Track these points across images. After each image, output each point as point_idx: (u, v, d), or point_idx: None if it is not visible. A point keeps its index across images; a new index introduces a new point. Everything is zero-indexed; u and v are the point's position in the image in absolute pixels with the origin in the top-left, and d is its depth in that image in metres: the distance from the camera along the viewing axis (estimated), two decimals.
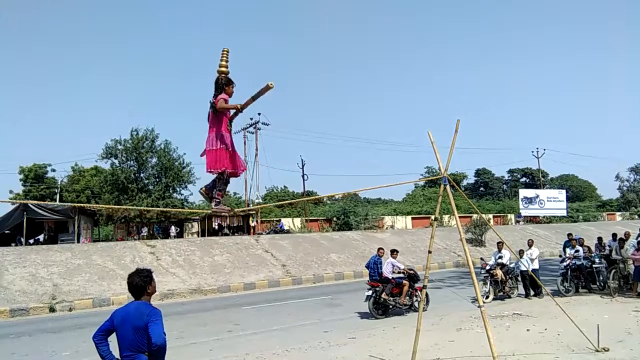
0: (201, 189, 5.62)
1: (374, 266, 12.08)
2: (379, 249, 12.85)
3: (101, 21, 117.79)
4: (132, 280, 3.98)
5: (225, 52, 5.34)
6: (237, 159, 5.37)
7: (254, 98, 4.81)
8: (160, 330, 3.70)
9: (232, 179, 5.60)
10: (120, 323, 3.88)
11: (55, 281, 17.32)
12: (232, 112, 5.23)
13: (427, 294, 11.94)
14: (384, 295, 11.74)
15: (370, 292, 11.76)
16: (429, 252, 6.95)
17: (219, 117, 5.22)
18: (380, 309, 11.87)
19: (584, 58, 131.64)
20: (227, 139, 5.26)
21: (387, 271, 12.04)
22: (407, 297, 12.15)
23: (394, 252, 12.53)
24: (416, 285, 12.35)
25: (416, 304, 12.04)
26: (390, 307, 11.97)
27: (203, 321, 12.62)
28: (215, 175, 5.41)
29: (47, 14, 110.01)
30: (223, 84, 5.19)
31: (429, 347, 8.06)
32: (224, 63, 5.28)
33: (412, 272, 12.46)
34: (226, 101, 5.11)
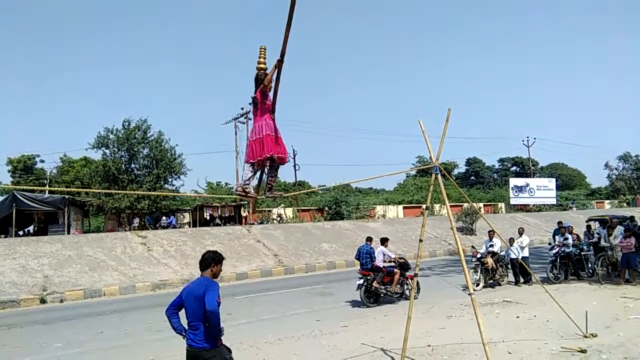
0: (236, 187, 5.74)
1: (365, 255, 12.09)
2: (368, 237, 12.87)
3: (88, 10, 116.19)
4: (206, 254, 4.50)
5: (262, 49, 5.53)
6: (282, 146, 5.50)
7: (288, 24, 4.72)
8: (213, 298, 4.10)
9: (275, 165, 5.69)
10: (186, 296, 4.36)
11: (45, 272, 17.22)
12: (271, 97, 5.44)
13: (418, 282, 12.04)
14: (375, 284, 11.81)
15: (361, 281, 11.82)
16: (420, 240, 6.98)
17: (261, 107, 5.46)
18: (371, 297, 11.94)
19: (573, 46, 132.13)
20: (271, 126, 5.43)
21: (378, 260, 12.09)
22: (399, 286, 12.25)
23: (385, 241, 12.58)
24: (407, 273, 12.43)
25: (407, 292, 12.17)
26: (382, 295, 12.05)
27: None
28: (249, 170, 5.56)
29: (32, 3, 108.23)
30: (262, 80, 5.44)
31: (420, 335, 8.13)
32: (262, 60, 5.49)
33: (402, 260, 12.54)
34: (266, 78, 5.32)
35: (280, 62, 5.12)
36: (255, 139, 5.42)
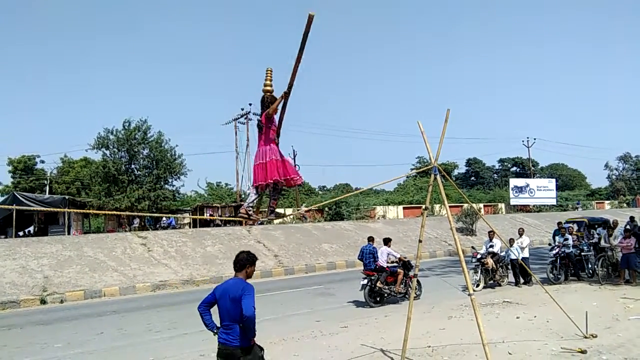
0: (241, 209, 5.83)
1: (368, 255, 12.09)
2: (370, 237, 12.87)
3: (89, 10, 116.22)
4: (240, 255, 4.56)
5: (269, 72, 5.60)
6: (289, 168, 5.64)
7: (301, 47, 4.77)
8: (251, 303, 4.16)
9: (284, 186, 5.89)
10: (220, 295, 4.43)
11: (45, 273, 17.22)
12: (276, 122, 5.54)
13: (419, 282, 12.32)
14: (379, 284, 11.85)
15: (365, 281, 11.85)
16: (420, 241, 6.99)
17: (266, 131, 5.54)
18: (375, 297, 11.98)
19: (574, 46, 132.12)
20: (275, 151, 5.53)
21: (381, 260, 12.10)
22: (402, 286, 12.28)
23: (388, 241, 12.60)
24: (410, 273, 12.45)
25: (410, 291, 12.16)
26: (385, 295, 12.09)
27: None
28: (253, 193, 5.72)
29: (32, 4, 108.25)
30: (269, 103, 5.51)
31: (420, 335, 8.13)
32: (268, 82, 5.57)
33: (407, 260, 12.56)
34: (271, 107, 5.40)
35: (287, 94, 5.20)
36: (258, 164, 5.52)
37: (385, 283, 12.04)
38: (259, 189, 5.64)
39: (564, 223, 16.45)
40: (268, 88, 5.55)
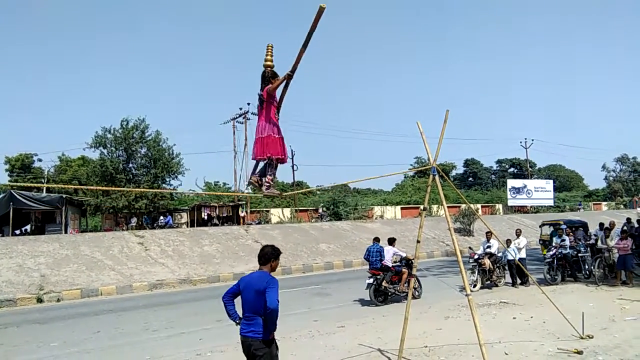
0: (251, 177, 5.98)
1: (375, 254, 12.25)
2: (376, 238, 13.04)
3: (88, 10, 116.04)
4: (265, 248, 4.61)
5: (270, 47, 5.68)
6: (284, 147, 5.74)
7: (308, 36, 4.89)
8: (275, 296, 4.21)
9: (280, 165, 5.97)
10: (244, 287, 4.46)
11: (42, 272, 17.18)
12: (279, 99, 5.64)
13: (419, 281, 12.70)
14: (384, 283, 12.05)
15: (371, 280, 12.03)
16: (418, 241, 7.00)
17: (266, 106, 5.61)
18: (380, 296, 12.16)
19: (571, 48, 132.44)
20: (275, 127, 5.63)
21: (387, 259, 12.27)
22: (406, 285, 12.34)
23: (393, 241, 12.83)
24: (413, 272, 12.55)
25: (414, 290, 12.25)
26: (390, 294, 12.23)
27: (193, 311, 12.62)
28: (260, 162, 5.80)
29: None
30: (269, 77, 5.57)
31: (417, 336, 8.14)
32: (269, 57, 5.63)
33: (412, 259, 12.64)
34: (274, 84, 5.47)
35: (289, 77, 5.31)
36: (258, 138, 5.65)
37: (390, 282, 12.23)
38: (259, 162, 5.80)
39: (540, 226, 16.38)
40: (269, 63, 5.63)
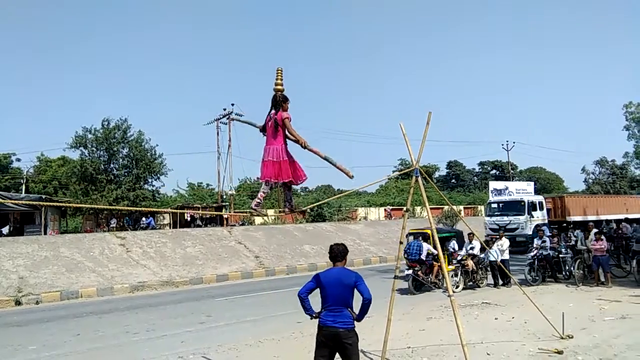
0: (252, 206, 6.22)
1: (416, 248, 13.71)
2: (412, 234, 14.86)
3: (69, 11, 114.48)
4: (337, 246, 4.96)
5: (279, 71, 5.88)
6: (298, 169, 5.94)
7: (326, 159, 5.58)
8: (367, 288, 4.67)
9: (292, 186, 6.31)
10: (328, 283, 4.77)
11: (21, 274, 16.84)
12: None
13: (416, 279, 13.77)
14: (420, 274, 13.57)
15: (410, 271, 13.48)
16: (400, 243, 7.03)
17: (279, 130, 5.77)
18: (418, 286, 13.59)
19: (553, 51, 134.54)
20: (286, 152, 5.83)
21: (423, 254, 13.67)
22: (439, 276, 13.87)
23: (427, 239, 14.18)
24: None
25: (440, 282, 13.94)
26: (423, 284, 13.74)
27: (175, 313, 12.49)
28: (266, 188, 5.95)
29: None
30: (281, 101, 5.77)
31: (400, 336, 8.18)
32: (279, 82, 5.85)
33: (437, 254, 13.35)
34: (290, 120, 5.75)
35: (300, 145, 5.70)
36: (268, 161, 5.73)
37: (424, 274, 13.71)
38: (268, 183, 5.92)
39: (408, 235, 14.42)
40: (279, 87, 5.82)
